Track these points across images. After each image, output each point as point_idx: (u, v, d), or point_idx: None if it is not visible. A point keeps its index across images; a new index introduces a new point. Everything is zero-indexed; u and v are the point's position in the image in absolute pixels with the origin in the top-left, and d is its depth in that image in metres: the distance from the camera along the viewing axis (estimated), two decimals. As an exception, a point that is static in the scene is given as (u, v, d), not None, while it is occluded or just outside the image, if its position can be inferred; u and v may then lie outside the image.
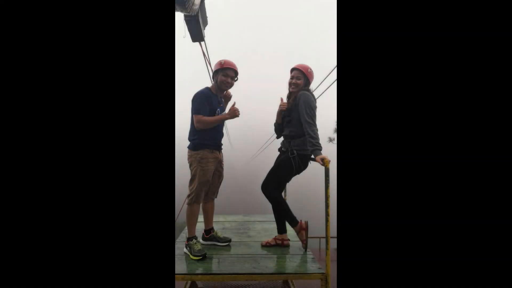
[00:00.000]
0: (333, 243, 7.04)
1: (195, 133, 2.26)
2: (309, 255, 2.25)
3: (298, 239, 2.39)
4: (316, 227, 3.77)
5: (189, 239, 2.26)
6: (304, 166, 2.31)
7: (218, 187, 2.49)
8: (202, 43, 2.94)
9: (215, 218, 2.65)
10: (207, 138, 2.27)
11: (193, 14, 2.26)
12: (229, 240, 2.49)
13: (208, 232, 2.49)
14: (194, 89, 2.33)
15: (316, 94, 2.63)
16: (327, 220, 1.94)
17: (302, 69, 2.33)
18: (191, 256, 2.17)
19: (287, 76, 2.43)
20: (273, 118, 2.56)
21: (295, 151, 2.27)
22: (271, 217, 2.74)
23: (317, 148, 2.11)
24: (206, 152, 2.25)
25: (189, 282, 2.87)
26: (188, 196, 2.27)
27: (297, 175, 2.33)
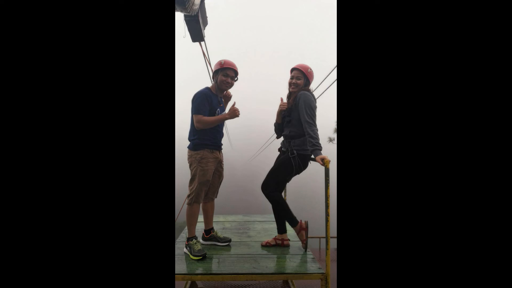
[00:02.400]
0: (333, 243, 7.06)
1: (195, 133, 2.26)
2: (309, 255, 2.25)
3: (298, 239, 2.39)
4: (316, 227, 3.78)
5: (189, 239, 2.26)
6: (304, 166, 2.31)
7: (218, 187, 2.50)
8: (202, 43, 2.94)
9: (215, 218, 2.66)
10: (207, 138, 2.27)
11: (193, 14, 2.26)
12: (229, 240, 2.49)
13: (208, 232, 2.50)
14: (194, 89, 2.33)
15: (316, 94, 2.63)
16: (327, 220, 1.94)
17: (302, 69, 2.34)
18: (191, 256, 2.18)
19: (287, 76, 2.44)
20: (273, 118, 2.57)
21: (295, 151, 2.27)
22: (271, 217, 2.74)
23: (317, 148, 2.11)
24: (206, 152, 2.25)
25: (189, 282, 2.87)
26: (188, 196, 2.27)
27: (297, 175, 2.33)
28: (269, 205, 2.38)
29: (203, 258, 2.15)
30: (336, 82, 3.79)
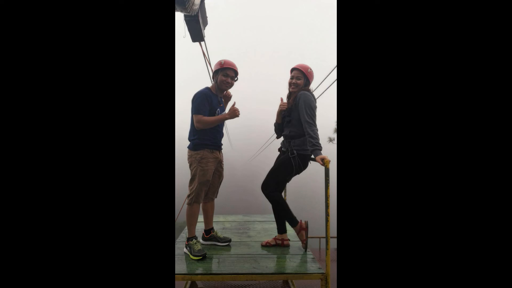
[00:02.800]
0: (333, 243, 7.06)
1: (195, 133, 2.26)
2: (309, 255, 2.25)
3: (298, 239, 2.39)
4: (316, 227, 3.78)
5: (189, 239, 2.26)
6: (304, 166, 2.31)
7: (218, 187, 2.50)
8: (202, 43, 2.94)
9: (215, 218, 2.66)
10: (207, 138, 2.27)
11: (193, 14, 2.26)
12: (229, 240, 2.49)
13: (208, 232, 2.50)
14: (194, 89, 2.33)
15: (316, 94, 2.63)
16: (327, 220, 1.94)
17: (302, 69, 2.34)
18: (191, 256, 2.18)
19: (287, 76, 2.44)
20: (273, 118, 2.57)
21: (295, 151, 2.27)
22: (271, 217, 2.74)
23: (317, 148, 2.11)
24: (206, 152, 2.25)
25: (189, 282, 2.87)
26: (188, 196, 2.27)
27: (297, 175, 2.33)
28: (269, 205, 2.38)
29: (203, 258, 2.15)
30: (336, 82, 3.79)
